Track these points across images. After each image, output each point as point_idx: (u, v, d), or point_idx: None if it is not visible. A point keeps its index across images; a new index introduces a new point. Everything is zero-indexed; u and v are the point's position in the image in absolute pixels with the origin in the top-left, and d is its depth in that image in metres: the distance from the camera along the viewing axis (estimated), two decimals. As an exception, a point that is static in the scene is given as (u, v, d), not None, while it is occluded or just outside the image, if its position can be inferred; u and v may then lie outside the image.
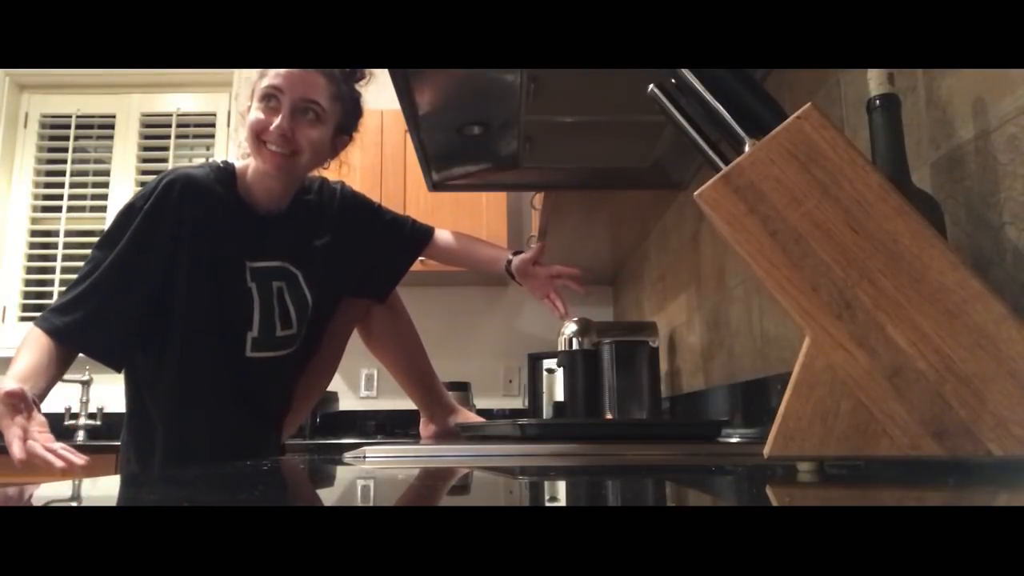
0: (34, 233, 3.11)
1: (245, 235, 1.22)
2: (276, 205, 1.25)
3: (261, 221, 1.24)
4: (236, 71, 3.08)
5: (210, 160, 1.30)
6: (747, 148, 0.56)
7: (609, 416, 1.77)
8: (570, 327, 1.86)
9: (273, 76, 1.17)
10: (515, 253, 1.46)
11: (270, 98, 1.17)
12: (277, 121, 1.15)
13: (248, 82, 1.23)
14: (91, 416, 2.76)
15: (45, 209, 3.13)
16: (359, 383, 2.91)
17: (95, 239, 1.23)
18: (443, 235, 1.50)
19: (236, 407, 1.23)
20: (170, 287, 1.16)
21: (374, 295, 1.42)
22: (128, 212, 1.16)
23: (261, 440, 1.30)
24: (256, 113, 1.17)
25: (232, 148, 3.07)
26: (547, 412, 2.48)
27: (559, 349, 1.89)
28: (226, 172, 1.24)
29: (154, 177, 1.21)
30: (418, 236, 1.47)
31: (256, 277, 1.22)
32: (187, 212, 1.16)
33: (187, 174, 1.20)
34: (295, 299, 1.26)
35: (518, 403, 2.92)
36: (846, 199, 0.52)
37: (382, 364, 1.48)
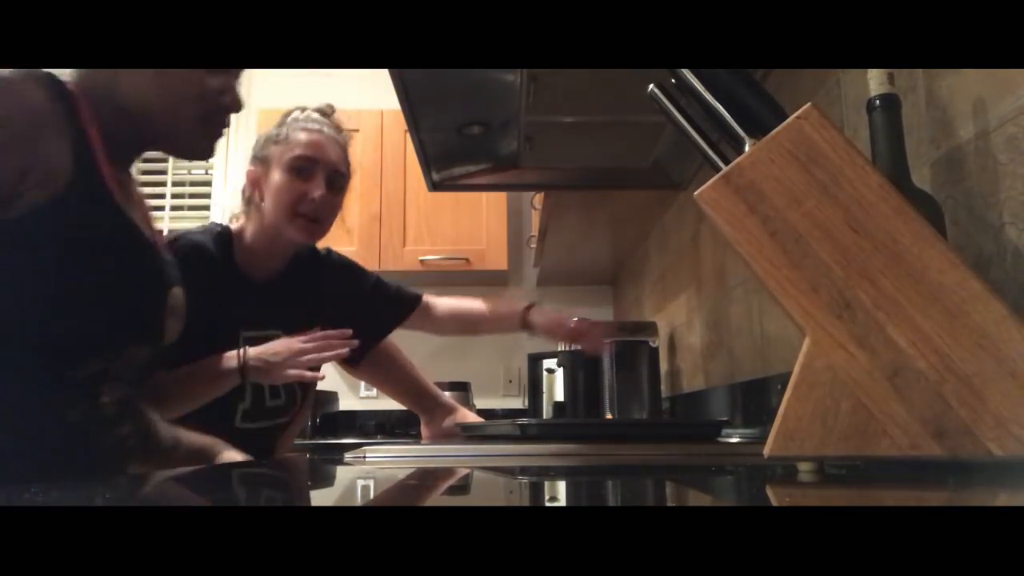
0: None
1: (242, 304, 1.20)
2: (274, 271, 1.24)
3: (259, 289, 1.23)
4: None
5: (208, 224, 1.27)
6: (747, 148, 0.56)
7: (609, 416, 1.77)
8: (570, 327, 1.86)
9: (304, 147, 1.17)
10: (527, 309, 1.45)
11: (302, 169, 1.17)
12: (317, 192, 1.16)
13: (260, 144, 1.23)
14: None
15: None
16: (359, 383, 2.91)
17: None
18: (442, 302, 1.46)
19: None
20: None
21: (347, 360, 1.39)
22: None
23: None
24: (289, 184, 1.17)
25: (231, 148, 3.07)
26: (547, 412, 2.47)
27: (559, 349, 1.89)
28: (224, 237, 1.22)
29: None
30: (402, 302, 1.43)
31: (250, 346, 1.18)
32: (188, 279, 1.08)
33: (191, 241, 1.18)
34: None
35: (518, 403, 2.92)
36: (846, 199, 0.52)
37: (371, 384, 1.46)
